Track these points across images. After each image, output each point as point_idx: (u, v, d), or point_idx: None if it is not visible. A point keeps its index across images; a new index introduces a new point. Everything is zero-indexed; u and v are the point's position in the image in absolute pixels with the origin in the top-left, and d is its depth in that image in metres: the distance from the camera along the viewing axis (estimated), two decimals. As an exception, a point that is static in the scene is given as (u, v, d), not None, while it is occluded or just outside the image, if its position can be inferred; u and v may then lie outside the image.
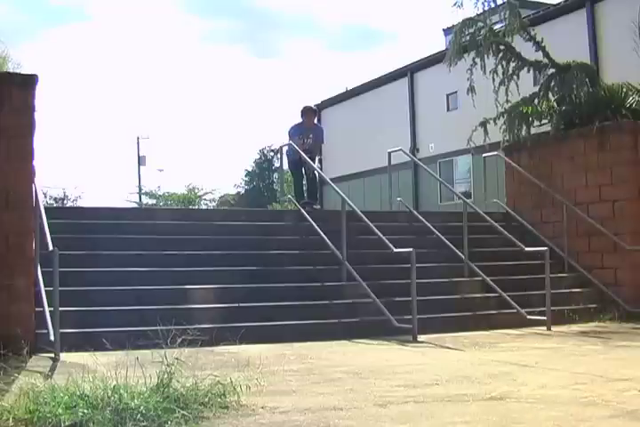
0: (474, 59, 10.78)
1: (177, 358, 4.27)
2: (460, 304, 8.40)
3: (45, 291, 6.37)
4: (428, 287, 8.15)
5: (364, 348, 6.81)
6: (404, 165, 18.81)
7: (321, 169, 22.51)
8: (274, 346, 6.58)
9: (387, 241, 8.03)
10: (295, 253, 8.92)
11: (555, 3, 19.66)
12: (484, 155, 11.59)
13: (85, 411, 3.60)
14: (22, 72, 6.72)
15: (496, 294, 8.59)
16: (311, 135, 11.27)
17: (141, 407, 3.68)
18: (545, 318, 8.00)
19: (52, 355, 5.77)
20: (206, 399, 4.01)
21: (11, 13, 61.68)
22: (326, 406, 4.08)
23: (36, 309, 6.29)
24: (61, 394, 3.82)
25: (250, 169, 46.84)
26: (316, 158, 12.34)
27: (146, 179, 49.87)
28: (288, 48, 77.17)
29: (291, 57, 76.02)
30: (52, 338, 5.89)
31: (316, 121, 11.90)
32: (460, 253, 9.20)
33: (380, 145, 18.87)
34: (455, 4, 11.11)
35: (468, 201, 10.06)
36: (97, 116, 71.92)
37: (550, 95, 10.72)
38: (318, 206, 11.82)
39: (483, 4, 11.30)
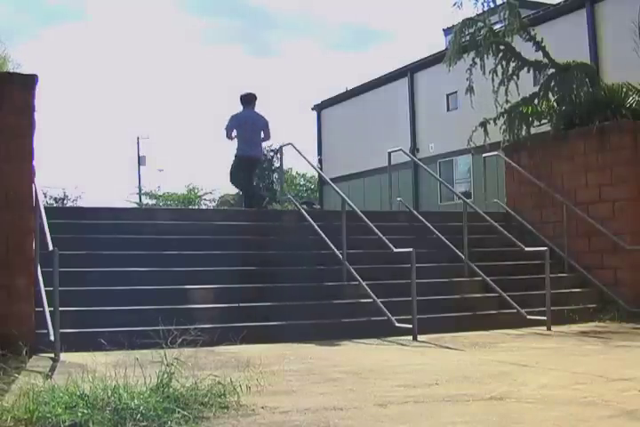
0: (473, 59, 10.77)
1: (177, 358, 4.27)
2: (460, 304, 8.40)
3: (45, 291, 6.37)
4: (428, 287, 8.15)
5: (363, 348, 6.81)
6: (403, 165, 18.83)
7: (321, 169, 22.55)
8: (274, 346, 6.58)
9: (387, 241, 8.03)
10: (295, 253, 8.91)
11: (555, 3, 19.68)
12: (484, 155, 11.59)
13: (85, 411, 3.60)
14: (22, 72, 6.72)
15: (496, 294, 8.59)
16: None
17: (141, 407, 3.68)
18: (545, 318, 8.00)
19: (52, 355, 5.76)
20: (206, 399, 4.00)
21: (11, 13, 61.74)
22: (326, 406, 4.07)
23: (36, 309, 6.28)
24: (61, 394, 3.82)
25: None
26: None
27: (146, 179, 49.62)
28: (287, 47, 77.29)
29: (290, 56, 76.09)
30: (51, 338, 5.89)
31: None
32: (460, 253, 9.20)
33: (380, 145, 18.88)
34: (455, 4, 11.11)
35: (468, 201, 10.06)
36: (97, 117, 71.94)
37: (550, 95, 10.71)
38: (318, 206, 11.81)
39: (482, 4, 11.32)
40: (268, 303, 7.63)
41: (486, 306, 8.48)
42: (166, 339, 4.49)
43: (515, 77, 10.70)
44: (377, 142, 22.96)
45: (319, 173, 11.50)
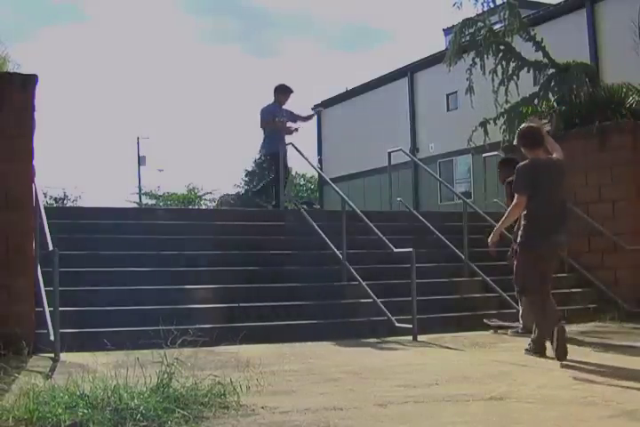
0: (473, 59, 10.78)
1: (177, 359, 4.27)
2: (460, 304, 8.40)
3: (45, 291, 6.37)
4: (428, 287, 8.15)
5: (363, 348, 6.81)
6: (404, 165, 18.81)
7: (321, 169, 22.53)
8: (274, 346, 6.58)
9: (387, 241, 8.03)
10: (295, 253, 8.92)
11: (555, 3, 19.68)
12: (484, 155, 11.61)
13: (85, 411, 3.60)
14: (22, 72, 6.72)
15: (496, 294, 8.58)
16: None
17: (141, 407, 3.68)
18: (545, 318, 7.99)
19: (52, 355, 5.76)
20: (206, 399, 4.01)
21: (11, 13, 61.77)
22: (326, 406, 4.08)
23: (36, 309, 6.29)
24: (61, 394, 3.83)
25: (250, 169, 46.78)
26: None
27: (146, 179, 49.76)
28: (287, 47, 77.32)
29: (290, 56, 76.11)
30: (52, 338, 5.89)
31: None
32: (460, 253, 9.20)
33: (380, 145, 18.87)
34: (455, 4, 11.14)
35: (468, 201, 10.06)
36: (97, 117, 71.93)
37: (550, 95, 10.71)
38: (318, 206, 11.82)
39: (482, 4, 11.35)
40: (269, 303, 7.63)
41: (486, 306, 8.47)
42: (166, 339, 4.49)
43: (515, 77, 10.70)
44: (377, 142, 22.94)
45: (319, 173, 11.49)
